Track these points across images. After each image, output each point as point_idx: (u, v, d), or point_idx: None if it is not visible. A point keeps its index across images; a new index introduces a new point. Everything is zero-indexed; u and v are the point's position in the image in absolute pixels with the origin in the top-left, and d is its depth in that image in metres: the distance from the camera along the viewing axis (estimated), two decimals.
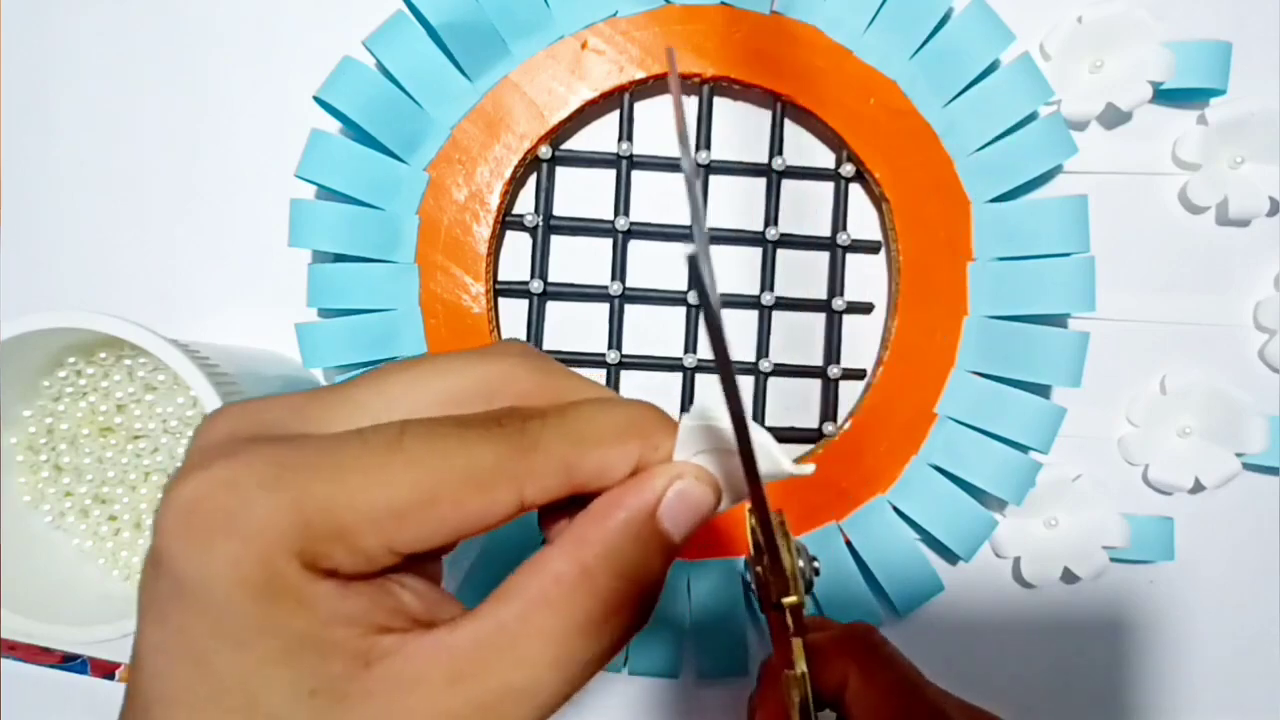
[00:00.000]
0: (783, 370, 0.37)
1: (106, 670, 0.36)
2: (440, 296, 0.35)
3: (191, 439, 0.18)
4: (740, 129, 0.37)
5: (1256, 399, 0.37)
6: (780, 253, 0.37)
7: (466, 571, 0.35)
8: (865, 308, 0.37)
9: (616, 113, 0.36)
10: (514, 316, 0.37)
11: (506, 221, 0.36)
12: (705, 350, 0.37)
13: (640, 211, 0.36)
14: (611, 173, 0.36)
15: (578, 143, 0.37)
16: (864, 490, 0.36)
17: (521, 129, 0.35)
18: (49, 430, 0.32)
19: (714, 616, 0.36)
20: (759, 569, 0.22)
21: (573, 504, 0.18)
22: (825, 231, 0.37)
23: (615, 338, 0.36)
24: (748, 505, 0.20)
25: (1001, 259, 0.35)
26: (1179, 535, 0.38)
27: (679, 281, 0.37)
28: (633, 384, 0.37)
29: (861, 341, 0.37)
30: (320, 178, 0.33)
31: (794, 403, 0.38)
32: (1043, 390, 0.36)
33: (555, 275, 0.36)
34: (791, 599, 0.21)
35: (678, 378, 0.37)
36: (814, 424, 0.37)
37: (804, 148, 0.37)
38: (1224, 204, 0.37)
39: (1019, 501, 0.36)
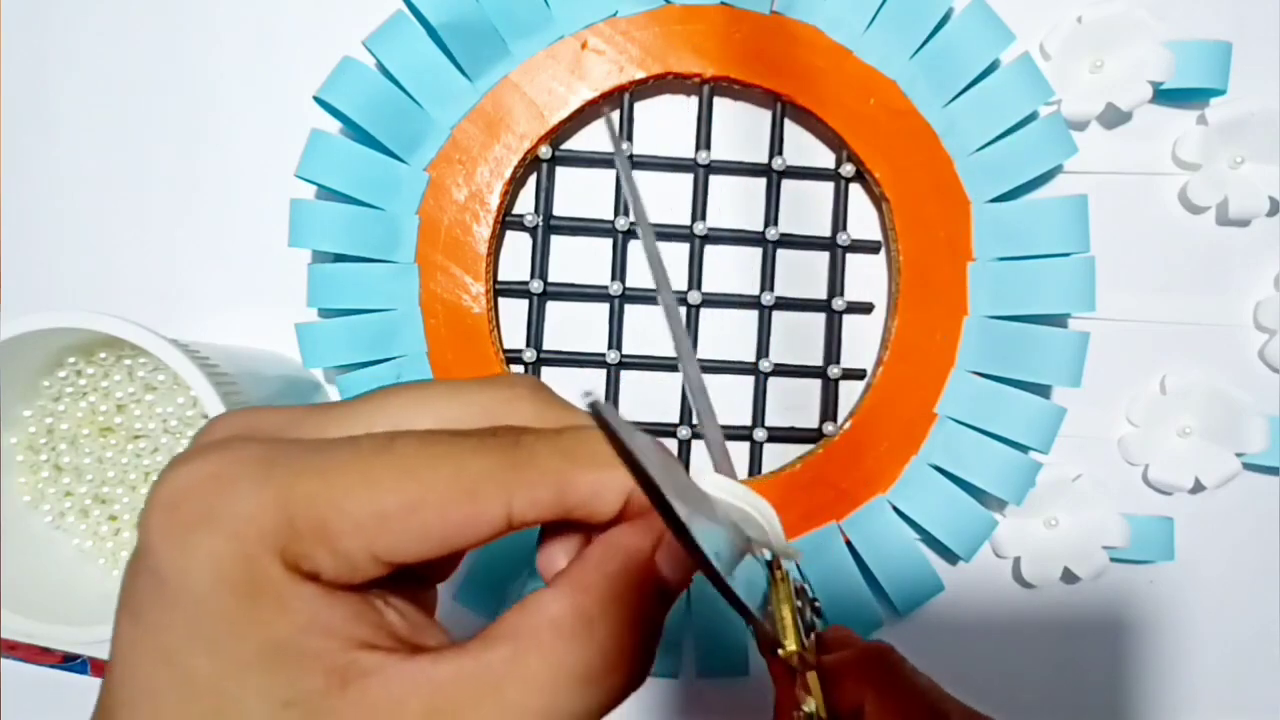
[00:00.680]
0: (783, 370, 0.37)
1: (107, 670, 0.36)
2: (440, 296, 0.35)
3: (190, 440, 0.18)
4: (740, 129, 0.37)
5: (1256, 399, 0.37)
6: (780, 253, 0.37)
7: (456, 587, 0.35)
8: (865, 308, 0.37)
9: (616, 113, 0.36)
10: (514, 316, 0.37)
11: (506, 221, 0.36)
12: (705, 351, 0.37)
13: None
14: (611, 173, 0.36)
15: (578, 143, 0.37)
16: (864, 490, 0.36)
17: (521, 129, 0.35)
18: (49, 430, 0.32)
19: (714, 616, 0.36)
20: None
21: (566, 534, 0.18)
22: (825, 231, 0.37)
23: (615, 338, 0.36)
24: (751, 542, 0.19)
25: (1001, 259, 0.35)
26: (1179, 535, 0.38)
27: (679, 281, 0.37)
28: (632, 384, 0.37)
29: (861, 341, 0.37)
30: (320, 178, 0.33)
31: (794, 403, 0.38)
32: (1043, 390, 0.36)
33: (555, 275, 0.36)
34: (791, 649, 0.21)
35: (677, 378, 0.37)
36: (814, 424, 0.37)
37: (804, 148, 0.37)
38: (1224, 204, 0.37)
39: (1019, 501, 0.36)
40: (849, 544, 0.36)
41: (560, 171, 0.36)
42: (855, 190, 0.37)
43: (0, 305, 0.36)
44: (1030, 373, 0.35)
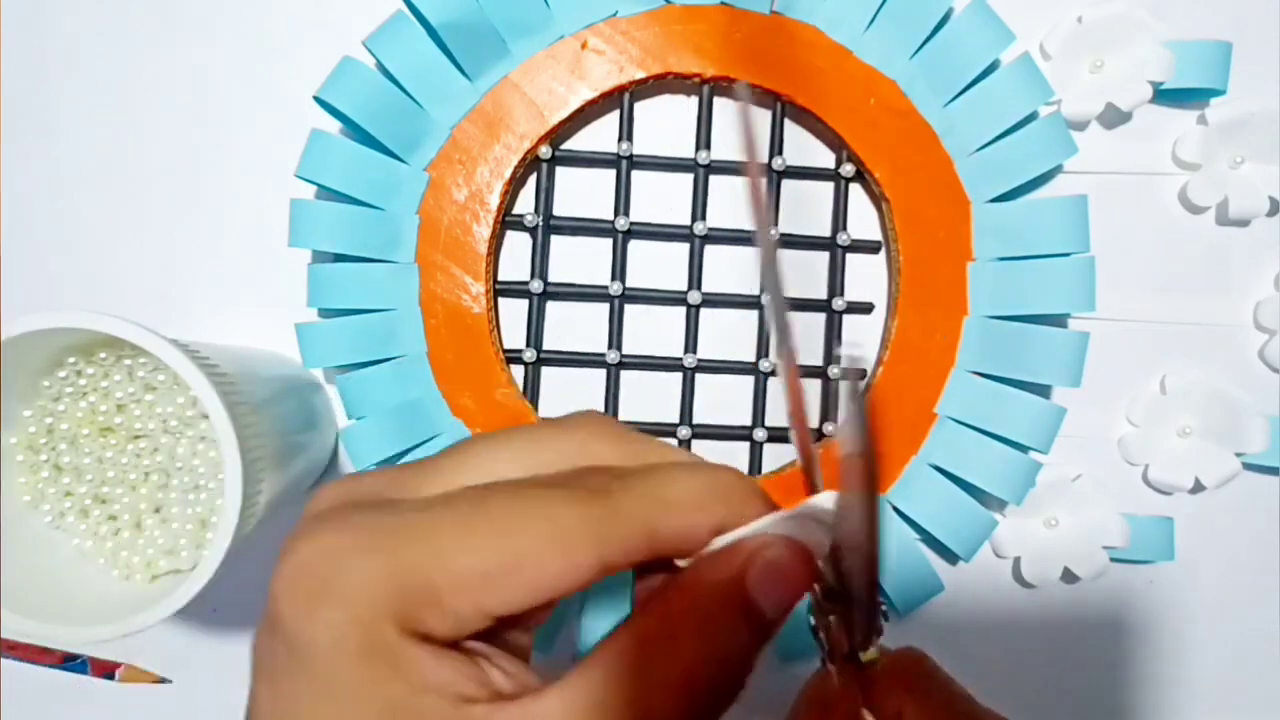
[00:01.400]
0: None
1: (106, 670, 0.36)
2: (440, 296, 0.35)
3: (305, 509, 0.19)
4: (740, 129, 0.37)
5: (1256, 399, 0.37)
6: (780, 253, 0.37)
7: None
8: (865, 308, 0.37)
9: (616, 113, 0.36)
10: (514, 316, 0.37)
11: (506, 221, 0.36)
12: (705, 351, 0.37)
13: (640, 211, 0.36)
14: (611, 173, 0.36)
15: (578, 143, 0.37)
16: None
17: (521, 129, 0.35)
18: (49, 430, 0.32)
19: None
20: (830, 618, 0.22)
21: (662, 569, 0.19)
22: (825, 231, 0.37)
23: (615, 338, 0.36)
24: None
25: (1001, 259, 0.35)
26: (1179, 535, 0.38)
27: (679, 281, 0.37)
28: (633, 384, 0.37)
29: (861, 342, 0.37)
30: (320, 178, 0.33)
31: None
32: (1043, 390, 0.36)
33: (555, 275, 0.36)
34: (871, 654, 0.21)
35: (677, 378, 0.37)
36: (814, 424, 0.37)
37: (804, 148, 0.37)
38: (1224, 204, 0.37)
39: (1019, 501, 0.36)
40: None
41: (560, 171, 0.36)
42: (855, 190, 0.37)
43: (0, 305, 0.36)
44: (1030, 373, 0.35)
